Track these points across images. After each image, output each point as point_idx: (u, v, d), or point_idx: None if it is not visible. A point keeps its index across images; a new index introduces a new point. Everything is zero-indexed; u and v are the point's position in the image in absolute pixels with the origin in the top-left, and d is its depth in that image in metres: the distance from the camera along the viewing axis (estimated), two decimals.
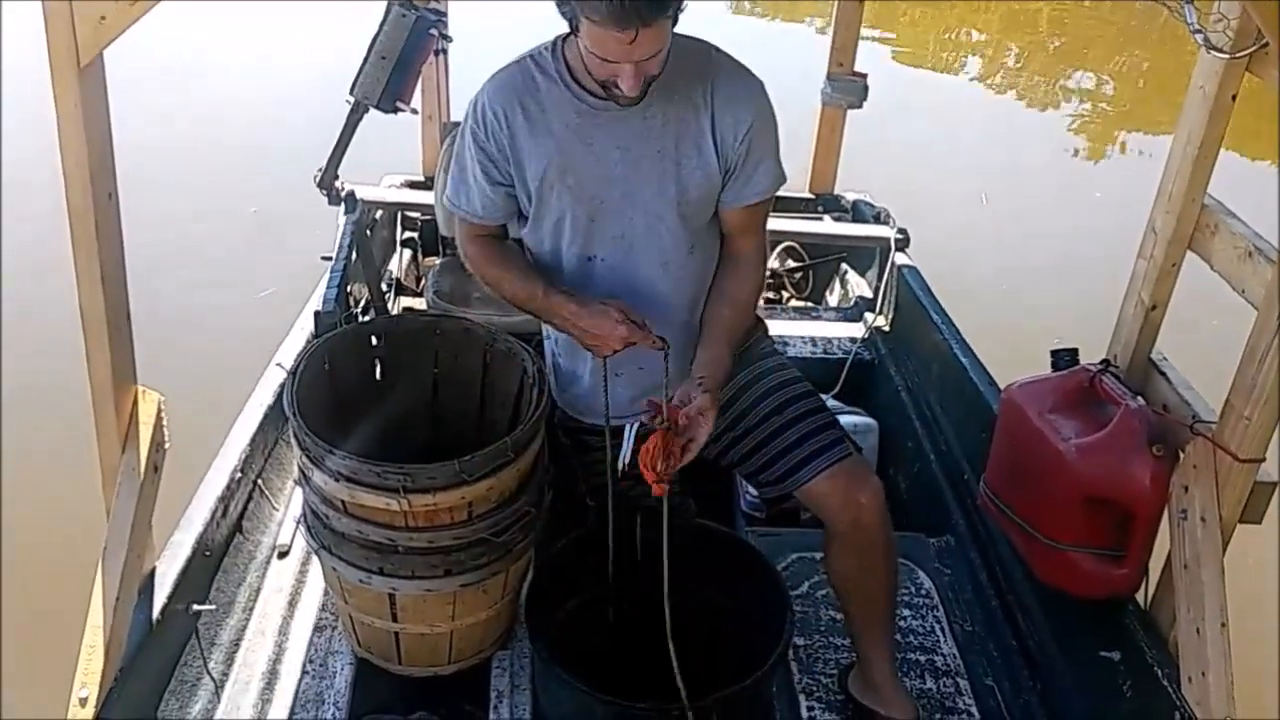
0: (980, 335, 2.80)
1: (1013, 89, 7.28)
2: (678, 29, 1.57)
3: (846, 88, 3.30)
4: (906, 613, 2.20)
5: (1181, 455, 1.83)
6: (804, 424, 1.84)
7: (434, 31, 2.55)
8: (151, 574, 1.91)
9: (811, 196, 3.49)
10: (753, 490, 2.47)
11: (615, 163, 1.69)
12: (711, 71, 1.68)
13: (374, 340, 1.99)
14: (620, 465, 1.71)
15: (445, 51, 3.02)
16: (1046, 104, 7.03)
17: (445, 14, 2.82)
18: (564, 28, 1.58)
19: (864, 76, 3.30)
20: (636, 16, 1.43)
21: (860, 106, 3.33)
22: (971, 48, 8.03)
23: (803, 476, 1.81)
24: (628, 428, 1.70)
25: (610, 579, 1.83)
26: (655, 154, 1.69)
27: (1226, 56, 1.79)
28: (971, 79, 7.42)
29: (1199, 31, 1.83)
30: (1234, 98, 1.82)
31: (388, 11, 2.48)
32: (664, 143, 1.68)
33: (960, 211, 4.99)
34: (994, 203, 5.22)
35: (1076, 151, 6.29)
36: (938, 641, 2.17)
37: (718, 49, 1.73)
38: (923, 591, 2.29)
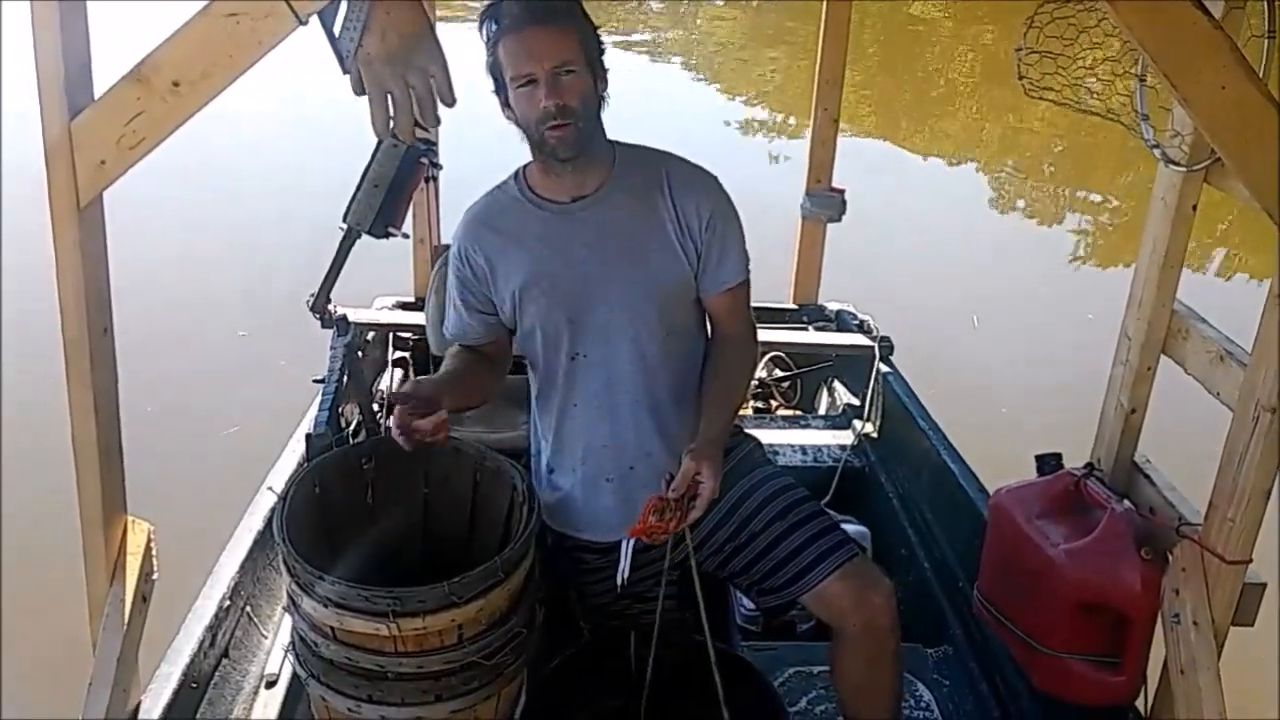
0: (962, 439, 2.82)
1: (1013, 210, 7.50)
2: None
3: (824, 203, 3.39)
4: None
5: (1170, 558, 1.83)
6: (807, 528, 1.83)
7: (424, 160, 2.64)
8: (136, 710, 1.87)
9: (795, 307, 3.55)
10: (748, 603, 2.44)
11: (585, 260, 1.78)
12: (664, 164, 1.81)
13: (364, 462, 1.99)
14: (620, 581, 1.71)
15: (435, 178, 3.13)
16: (1049, 220, 7.26)
17: (435, 143, 2.92)
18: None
19: (841, 192, 3.40)
20: (530, 16, 1.64)
21: (839, 220, 3.42)
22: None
23: (812, 580, 1.78)
24: (625, 542, 1.71)
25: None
26: (622, 246, 1.78)
27: (1184, 169, 1.86)
28: (966, 185, 7.66)
29: (1156, 147, 1.90)
30: (1194, 208, 1.89)
31: (379, 142, 2.57)
32: (629, 235, 1.78)
33: (946, 319, 5.08)
34: (980, 307, 5.32)
35: (1072, 261, 6.46)
36: None
37: (666, 150, 1.86)
38: (923, 704, 2.25)
